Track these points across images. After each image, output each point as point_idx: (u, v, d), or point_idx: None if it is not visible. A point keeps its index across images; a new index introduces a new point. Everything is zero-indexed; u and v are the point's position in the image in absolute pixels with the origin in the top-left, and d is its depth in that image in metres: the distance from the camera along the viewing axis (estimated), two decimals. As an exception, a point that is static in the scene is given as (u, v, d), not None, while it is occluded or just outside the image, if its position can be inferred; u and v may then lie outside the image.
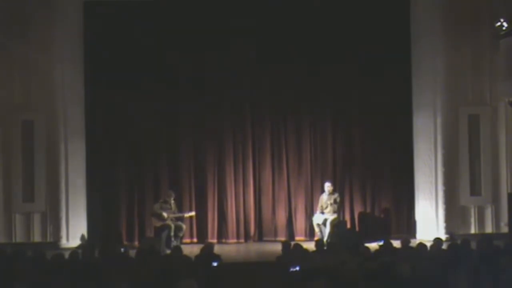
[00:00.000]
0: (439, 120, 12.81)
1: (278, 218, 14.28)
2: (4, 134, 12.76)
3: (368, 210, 15.72)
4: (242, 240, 13.57)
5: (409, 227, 13.03)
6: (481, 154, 12.87)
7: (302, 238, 13.29)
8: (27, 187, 12.74)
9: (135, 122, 15.69)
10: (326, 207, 12.86)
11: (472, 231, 12.72)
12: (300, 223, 13.99)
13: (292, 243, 9.47)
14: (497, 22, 12.30)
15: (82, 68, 12.96)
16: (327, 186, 13.07)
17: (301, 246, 9.05)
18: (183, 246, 11.47)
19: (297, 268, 7.73)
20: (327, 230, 12.57)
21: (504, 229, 12.57)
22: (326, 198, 12.97)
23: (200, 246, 9.66)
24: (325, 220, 12.70)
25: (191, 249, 10.36)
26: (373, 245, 9.82)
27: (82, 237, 12.86)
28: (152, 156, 15.73)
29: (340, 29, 15.49)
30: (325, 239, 12.20)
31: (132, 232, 13.75)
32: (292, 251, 8.85)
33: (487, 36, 12.71)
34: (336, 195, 13.01)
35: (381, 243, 9.35)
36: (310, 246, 9.65)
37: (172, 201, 12.80)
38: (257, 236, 13.75)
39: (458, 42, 12.75)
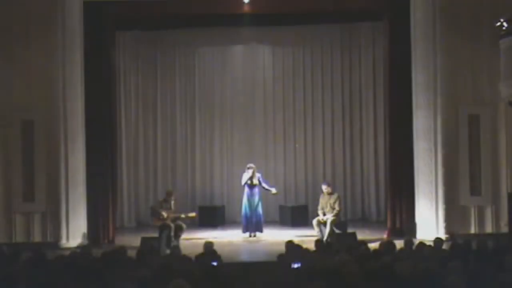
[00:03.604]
0: (439, 120, 12.81)
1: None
2: (4, 134, 12.77)
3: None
4: (241, 240, 13.58)
5: (409, 227, 13.03)
6: (481, 154, 12.86)
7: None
8: (27, 187, 12.73)
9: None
10: (326, 208, 12.85)
11: (472, 231, 12.72)
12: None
13: (294, 243, 9.46)
14: (497, 22, 12.29)
15: (82, 68, 12.96)
16: (324, 188, 13.06)
17: (301, 246, 9.08)
18: (183, 245, 11.53)
19: (299, 265, 7.76)
20: (327, 230, 12.57)
21: (504, 229, 12.59)
22: (325, 199, 12.97)
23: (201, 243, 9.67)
24: (325, 220, 12.70)
25: (191, 249, 10.35)
26: (373, 245, 9.83)
27: (83, 237, 12.87)
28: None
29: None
30: (324, 239, 12.20)
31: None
32: (294, 251, 8.86)
33: (487, 36, 12.71)
34: (335, 196, 12.99)
35: (381, 242, 9.37)
36: (310, 246, 9.66)
37: (173, 201, 12.78)
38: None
39: (458, 42, 12.75)
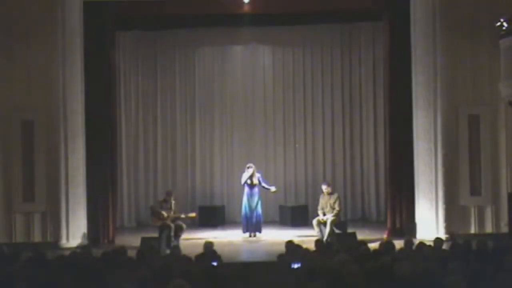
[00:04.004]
0: (439, 120, 12.81)
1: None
2: (4, 134, 12.77)
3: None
4: (241, 240, 13.57)
5: (409, 227, 13.03)
6: (481, 154, 12.86)
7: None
8: (27, 187, 12.73)
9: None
10: (326, 208, 12.85)
11: (472, 231, 12.72)
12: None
13: (294, 243, 9.46)
14: (497, 22, 12.29)
15: (82, 68, 12.95)
16: (324, 188, 13.05)
17: (301, 246, 9.07)
18: (183, 245, 11.52)
19: (299, 265, 7.76)
20: (327, 230, 12.57)
21: (504, 229, 12.59)
22: (325, 199, 12.96)
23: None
24: (325, 220, 12.69)
25: (191, 249, 10.35)
26: (373, 245, 9.82)
27: (83, 237, 12.86)
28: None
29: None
30: (324, 239, 12.20)
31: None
32: (294, 251, 8.86)
33: (487, 36, 12.71)
34: (335, 196, 12.99)
35: (381, 242, 9.36)
36: (310, 246, 9.65)
37: (172, 201, 12.78)
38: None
39: (458, 42, 12.75)
